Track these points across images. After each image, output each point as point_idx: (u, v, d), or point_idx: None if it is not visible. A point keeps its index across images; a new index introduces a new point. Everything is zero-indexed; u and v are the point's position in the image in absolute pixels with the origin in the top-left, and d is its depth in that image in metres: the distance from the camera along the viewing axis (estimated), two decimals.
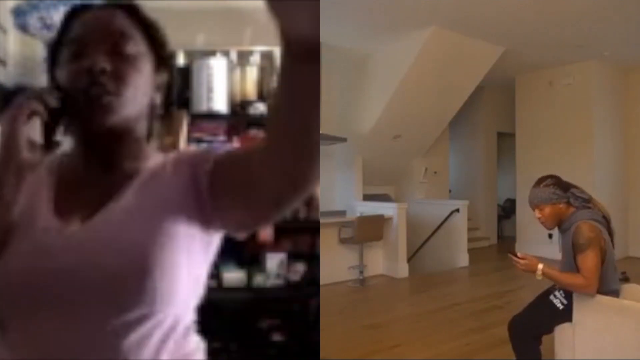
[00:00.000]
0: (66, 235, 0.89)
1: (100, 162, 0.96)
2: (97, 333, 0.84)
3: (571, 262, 2.04)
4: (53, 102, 0.94)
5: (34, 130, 0.92)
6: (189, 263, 0.91)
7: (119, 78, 0.92)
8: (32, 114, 0.91)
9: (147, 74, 0.98)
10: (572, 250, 2.02)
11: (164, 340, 0.89)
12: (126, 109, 0.93)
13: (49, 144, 0.96)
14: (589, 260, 1.95)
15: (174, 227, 0.89)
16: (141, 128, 0.99)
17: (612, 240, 2.09)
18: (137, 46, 0.96)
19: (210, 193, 0.89)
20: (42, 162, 0.96)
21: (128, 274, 0.84)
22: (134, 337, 0.85)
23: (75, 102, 0.92)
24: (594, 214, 2.06)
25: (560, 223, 2.13)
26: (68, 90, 0.93)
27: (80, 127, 0.96)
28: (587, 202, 2.10)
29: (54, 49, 0.98)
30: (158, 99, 1.01)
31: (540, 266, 2.02)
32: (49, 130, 0.95)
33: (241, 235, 0.94)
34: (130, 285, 0.84)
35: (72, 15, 0.98)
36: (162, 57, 1.02)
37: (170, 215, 0.90)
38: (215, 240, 0.97)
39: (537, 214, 2.14)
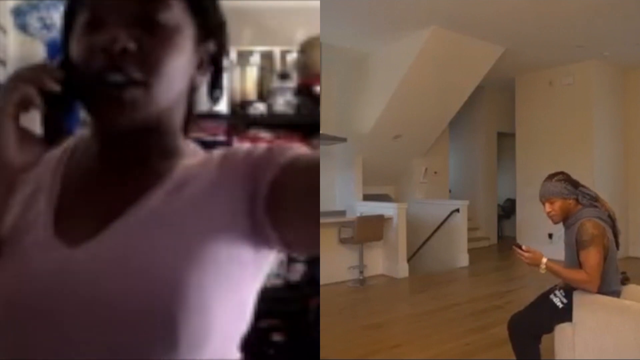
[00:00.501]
0: (63, 255, 0.68)
1: (118, 160, 0.74)
2: None
3: (574, 257, 2.06)
4: (54, 85, 0.71)
5: (30, 120, 0.72)
6: (233, 289, 0.70)
7: (148, 61, 0.69)
8: (25, 102, 0.71)
9: (187, 52, 0.73)
10: (575, 246, 2.04)
11: None
12: (157, 103, 0.71)
13: (54, 135, 0.76)
14: (591, 257, 1.97)
15: (214, 247, 0.68)
16: (176, 118, 0.76)
17: (616, 241, 2.11)
18: (175, 13, 0.71)
19: (269, 207, 0.68)
20: (45, 159, 0.75)
21: (143, 309, 0.64)
22: None
23: (89, 89, 0.70)
24: (600, 213, 2.08)
25: (566, 219, 2.16)
26: (80, 71, 0.70)
27: (95, 120, 0.74)
28: (594, 200, 2.13)
29: (69, 13, 0.75)
30: (200, 79, 0.78)
31: (544, 260, 2.05)
32: (52, 119, 0.74)
33: (301, 253, 0.76)
34: (146, 323, 0.64)
35: None
36: (207, 26, 0.77)
37: (208, 230, 0.68)
38: (269, 255, 0.75)
39: (547, 207, 2.16)
